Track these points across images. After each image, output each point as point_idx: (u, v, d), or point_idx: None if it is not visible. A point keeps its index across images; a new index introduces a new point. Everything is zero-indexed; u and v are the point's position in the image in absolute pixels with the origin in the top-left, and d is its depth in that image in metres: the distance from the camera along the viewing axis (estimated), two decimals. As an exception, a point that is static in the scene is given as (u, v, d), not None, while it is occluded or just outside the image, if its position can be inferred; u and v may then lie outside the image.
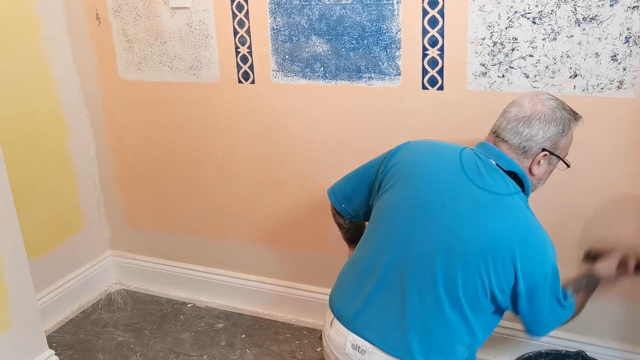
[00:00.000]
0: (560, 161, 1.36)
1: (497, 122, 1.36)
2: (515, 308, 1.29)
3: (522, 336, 1.98)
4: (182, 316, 2.44)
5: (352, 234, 1.61)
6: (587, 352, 1.76)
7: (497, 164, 1.30)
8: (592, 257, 1.61)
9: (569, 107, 1.34)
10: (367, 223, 1.47)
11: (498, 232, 1.23)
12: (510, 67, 1.74)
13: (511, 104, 1.36)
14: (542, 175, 1.34)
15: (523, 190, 1.32)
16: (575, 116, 1.34)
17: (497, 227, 1.23)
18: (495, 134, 1.34)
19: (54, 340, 2.29)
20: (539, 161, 1.31)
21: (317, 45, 1.97)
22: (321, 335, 1.49)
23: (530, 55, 1.71)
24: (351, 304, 1.34)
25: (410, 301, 1.27)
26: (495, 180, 1.27)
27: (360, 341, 1.31)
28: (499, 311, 1.33)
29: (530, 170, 1.32)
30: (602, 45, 1.63)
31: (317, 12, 1.93)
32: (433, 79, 1.85)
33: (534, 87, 1.73)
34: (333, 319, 1.38)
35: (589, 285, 1.50)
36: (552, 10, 1.65)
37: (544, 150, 1.30)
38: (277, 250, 2.32)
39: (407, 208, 1.31)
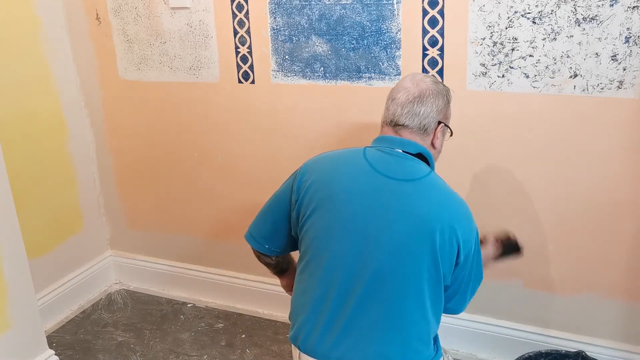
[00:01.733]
0: (449, 129, 1.43)
1: (390, 111, 1.37)
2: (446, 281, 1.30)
3: (522, 336, 1.98)
4: (182, 316, 2.44)
5: (281, 266, 1.56)
6: (587, 352, 1.76)
7: (404, 151, 1.32)
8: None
9: (440, 82, 1.42)
10: (293, 253, 1.45)
11: (432, 212, 1.24)
12: (510, 67, 1.74)
13: (394, 91, 1.38)
14: (440, 146, 1.39)
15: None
16: (448, 89, 1.41)
17: (429, 208, 1.25)
18: (393, 123, 1.35)
19: (54, 340, 2.29)
20: (437, 134, 1.36)
21: (317, 45, 1.97)
22: None
23: (530, 55, 1.71)
24: (314, 332, 1.29)
25: (375, 311, 1.24)
26: (407, 167, 1.29)
27: None
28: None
29: (432, 144, 1.37)
30: (602, 45, 1.63)
31: (317, 12, 1.93)
32: (433, 79, 1.85)
33: (534, 87, 1.73)
34: (300, 353, 1.33)
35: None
36: (552, 10, 1.65)
37: (439, 123, 1.35)
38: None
39: (339, 226, 1.27)
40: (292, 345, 1.37)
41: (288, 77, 2.05)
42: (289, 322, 2.38)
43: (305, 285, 1.33)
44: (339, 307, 1.26)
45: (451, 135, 1.45)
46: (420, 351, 1.27)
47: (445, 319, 2.07)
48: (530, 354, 1.77)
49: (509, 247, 1.55)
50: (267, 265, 1.55)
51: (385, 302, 1.24)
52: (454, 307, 1.36)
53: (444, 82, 1.82)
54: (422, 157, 1.34)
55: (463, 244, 1.25)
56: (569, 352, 1.78)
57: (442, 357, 1.37)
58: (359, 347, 1.25)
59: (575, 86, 1.69)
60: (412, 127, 1.33)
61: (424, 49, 1.83)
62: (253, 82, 2.11)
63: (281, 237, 1.43)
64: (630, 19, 1.58)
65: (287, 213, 1.39)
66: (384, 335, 1.25)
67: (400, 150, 1.32)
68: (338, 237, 1.27)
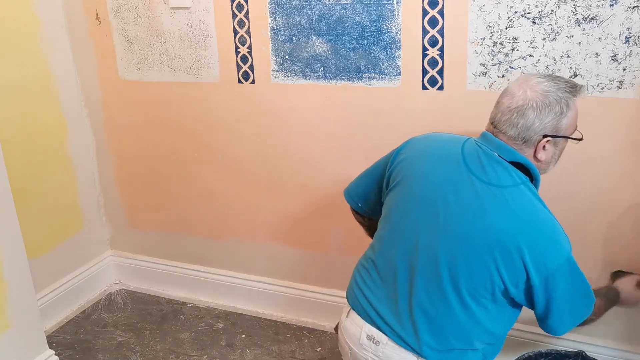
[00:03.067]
0: (570, 139, 1.33)
1: (493, 113, 1.33)
2: (531, 303, 1.28)
3: (522, 336, 1.98)
4: (182, 316, 2.44)
5: (374, 230, 1.61)
6: (587, 352, 1.76)
7: (499, 155, 1.28)
8: (617, 276, 1.64)
9: (565, 83, 1.29)
10: None
11: (502, 225, 1.21)
12: (510, 67, 1.74)
13: (503, 93, 1.32)
14: (550, 158, 1.31)
15: (531, 179, 1.30)
16: (573, 91, 1.28)
17: (501, 220, 1.21)
18: (493, 125, 1.32)
19: (54, 340, 2.29)
20: (544, 146, 1.28)
21: (317, 45, 1.97)
22: (336, 327, 1.51)
23: (530, 55, 1.71)
24: (366, 296, 1.36)
25: (418, 296, 1.28)
26: (497, 172, 1.26)
27: (375, 332, 1.32)
28: (516, 305, 1.32)
29: (535, 157, 1.29)
30: (602, 45, 1.63)
31: (317, 12, 1.93)
32: (433, 79, 1.85)
33: (534, 87, 1.73)
34: (350, 309, 1.41)
35: (608, 295, 1.50)
36: (552, 10, 1.65)
37: (545, 136, 1.27)
38: (277, 250, 2.32)
39: (411, 205, 1.32)
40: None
41: (288, 77, 2.05)
42: (289, 323, 2.40)
43: (372, 251, 1.42)
44: (389, 281, 1.33)
45: (580, 139, 1.34)
46: (451, 345, 1.28)
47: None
48: (530, 354, 1.77)
49: None
50: (361, 224, 1.65)
51: (425, 292, 1.27)
52: (552, 327, 1.32)
53: (444, 82, 1.83)
54: (521, 166, 1.28)
55: (535, 268, 1.20)
56: (569, 352, 1.78)
57: None
58: (396, 325, 1.30)
59: (575, 86, 1.69)
60: (509, 135, 1.28)
61: (424, 49, 1.83)
62: (253, 82, 2.11)
63: (372, 200, 1.51)
64: (630, 19, 1.58)
65: (380, 180, 1.46)
66: (419, 325, 1.28)
67: (496, 154, 1.28)
68: (405, 216, 1.32)
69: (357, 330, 1.36)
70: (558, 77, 1.31)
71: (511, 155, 1.28)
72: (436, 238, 1.27)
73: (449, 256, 1.25)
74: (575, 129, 1.33)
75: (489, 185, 1.25)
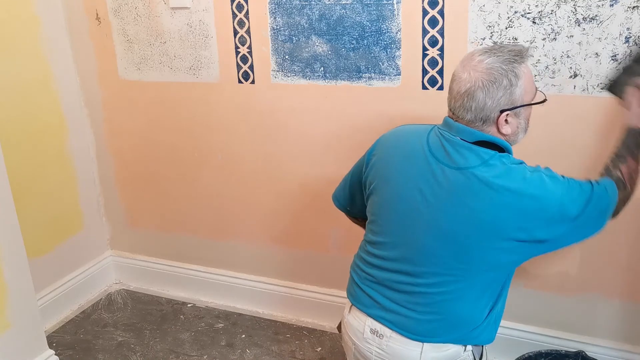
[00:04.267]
0: (531, 105, 1.28)
1: (448, 99, 1.31)
2: (549, 244, 1.24)
3: (522, 336, 1.98)
4: (182, 316, 2.44)
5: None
6: (587, 352, 1.76)
7: (461, 139, 1.26)
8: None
9: (508, 53, 1.23)
10: None
11: (483, 207, 1.21)
12: (510, 67, 1.74)
13: (452, 78, 1.30)
14: (516, 129, 1.28)
15: (503, 151, 1.28)
16: (518, 59, 1.23)
17: (479, 203, 1.21)
18: (452, 111, 1.31)
19: (54, 340, 2.29)
20: (505, 120, 1.25)
21: (317, 45, 1.97)
22: (339, 326, 1.52)
23: (530, 56, 1.71)
24: (367, 292, 1.37)
25: (422, 286, 1.29)
26: (463, 155, 1.24)
27: (378, 326, 1.33)
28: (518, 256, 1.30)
29: (500, 132, 1.26)
30: (602, 45, 1.63)
31: (317, 12, 1.93)
32: (433, 79, 1.85)
33: (534, 87, 1.73)
34: (352, 305, 1.41)
35: (634, 139, 1.34)
36: (552, 10, 1.65)
37: (502, 111, 1.23)
38: (277, 250, 2.32)
39: (392, 207, 1.33)
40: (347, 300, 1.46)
41: (288, 77, 2.05)
42: (289, 323, 2.40)
43: (369, 245, 1.42)
44: (390, 275, 1.33)
45: (544, 101, 1.29)
46: (457, 329, 1.29)
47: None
48: (530, 354, 1.77)
49: None
50: (355, 222, 1.65)
51: (427, 282, 1.28)
52: (591, 233, 1.27)
53: (445, 82, 1.83)
54: (487, 143, 1.26)
55: (523, 232, 1.20)
56: (569, 352, 1.78)
57: (480, 355, 1.36)
58: (400, 317, 1.31)
59: (575, 86, 1.69)
60: (467, 119, 1.26)
61: (424, 49, 1.83)
62: (253, 82, 2.11)
63: (359, 202, 1.52)
64: (630, 19, 1.58)
65: (360, 184, 1.48)
66: (424, 314, 1.29)
67: (459, 138, 1.27)
68: (391, 217, 1.33)
69: (360, 324, 1.36)
70: (500, 47, 1.25)
71: (472, 136, 1.26)
72: (426, 233, 1.27)
73: (443, 247, 1.25)
74: (535, 93, 1.29)
75: (458, 170, 1.24)
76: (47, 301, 2.36)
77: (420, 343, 1.29)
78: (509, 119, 1.25)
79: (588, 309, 1.89)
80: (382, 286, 1.35)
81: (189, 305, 2.51)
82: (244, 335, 2.29)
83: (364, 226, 1.64)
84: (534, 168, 1.26)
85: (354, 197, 1.53)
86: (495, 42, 1.74)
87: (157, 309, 2.50)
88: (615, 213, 1.30)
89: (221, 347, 2.23)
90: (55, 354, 2.03)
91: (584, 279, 1.86)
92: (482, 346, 1.36)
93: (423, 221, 1.27)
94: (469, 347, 1.32)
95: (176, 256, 2.55)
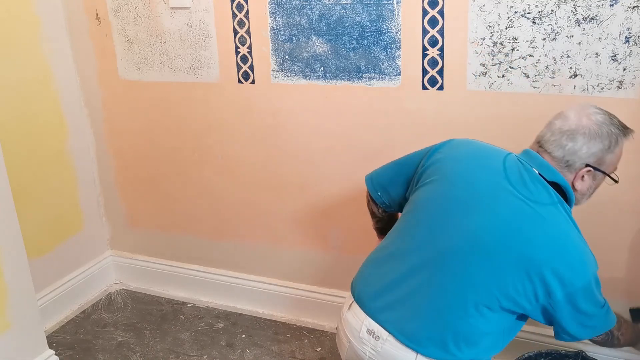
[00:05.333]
0: (607, 177, 1.34)
1: (542, 132, 1.35)
2: (549, 317, 1.27)
3: (522, 336, 1.98)
4: (182, 316, 2.44)
5: (384, 224, 1.61)
6: (587, 352, 1.76)
7: (539, 174, 1.29)
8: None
9: (618, 122, 1.32)
10: (399, 214, 1.48)
11: (534, 241, 1.21)
12: (510, 67, 1.74)
13: (557, 115, 1.34)
14: (586, 190, 1.33)
15: (566, 201, 1.31)
16: (624, 131, 1.31)
17: (534, 235, 1.22)
18: (539, 144, 1.33)
19: (54, 340, 2.29)
20: (583, 176, 1.29)
21: (317, 45, 1.97)
22: (337, 325, 1.50)
23: (530, 55, 1.71)
24: (372, 288, 1.36)
25: (433, 294, 1.28)
26: (537, 189, 1.26)
27: (375, 327, 1.32)
28: (523, 317, 1.32)
29: (572, 185, 1.31)
30: (602, 45, 1.63)
31: (317, 12, 1.93)
32: (433, 79, 1.85)
33: (534, 87, 1.73)
34: (352, 302, 1.40)
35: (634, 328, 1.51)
36: (552, 10, 1.65)
37: (587, 165, 1.29)
38: (277, 250, 2.32)
39: (445, 203, 1.31)
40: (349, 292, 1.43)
41: (288, 77, 2.05)
42: (289, 323, 2.39)
43: (389, 242, 1.40)
44: (400, 276, 1.32)
45: (615, 182, 1.36)
46: (449, 351, 1.27)
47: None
48: (530, 354, 1.77)
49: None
50: (372, 215, 1.62)
51: (441, 292, 1.27)
52: (572, 335, 1.31)
53: (444, 82, 1.83)
54: (559, 188, 1.29)
55: (561, 284, 1.21)
56: (569, 352, 1.78)
57: None
58: (402, 320, 1.30)
59: (575, 86, 1.69)
60: (554, 156, 1.29)
61: (424, 49, 1.83)
62: (253, 82, 2.11)
63: (394, 192, 1.49)
64: (630, 19, 1.58)
65: (410, 174, 1.45)
66: (426, 323, 1.28)
67: (537, 172, 1.29)
68: (436, 213, 1.32)
69: (357, 323, 1.35)
70: (613, 114, 1.33)
71: (552, 175, 1.29)
72: (465, 241, 1.26)
73: (476, 262, 1.24)
74: (615, 170, 1.35)
75: (527, 201, 1.25)
76: (47, 301, 2.36)
77: (415, 353, 1.28)
78: (587, 176, 1.29)
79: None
80: (393, 285, 1.33)
81: (189, 305, 2.51)
82: (244, 335, 2.29)
83: (378, 221, 1.62)
84: (584, 241, 1.28)
85: (393, 185, 1.50)
86: (495, 42, 1.74)
87: (157, 309, 2.50)
88: (595, 340, 1.38)
89: (221, 347, 2.23)
90: (55, 354, 2.03)
91: (584, 279, 1.86)
92: None
93: (469, 230, 1.26)
94: None
95: (176, 256, 2.55)
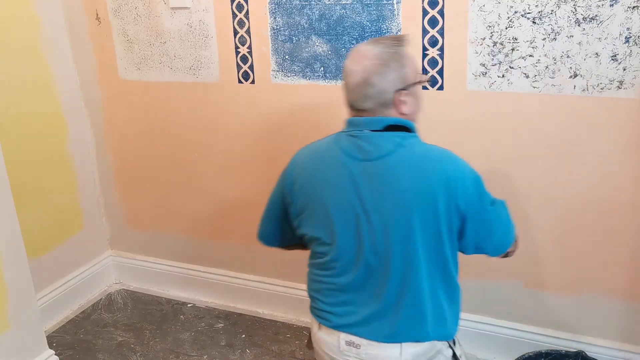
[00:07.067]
0: (420, 83, 1.37)
1: (346, 96, 1.35)
2: (464, 231, 1.29)
3: (522, 336, 1.98)
4: (182, 316, 2.44)
5: (300, 247, 1.60)
6: (587, 352, 1.76)
7: (371, 130, 1.30)
8: None
9: (389, 40, 1.33)
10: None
11: (410, 184, 1.25)
12: (510, 67, 1.74)
13: (344, 75, 1.35)
14: (414, 107, 1.35)
15: (410, 130, 1.33)
16: (400, 43, 1.32)
17: (406, 181, 1.25)
18: (352, 108, 1.34)
19: (54, 340, 2.29)
20: (402, 101, 1.30)
21: (317, 45, 1.97)
22: (308, 341, 1.50)
23: (530, 55, 1.71)
24: (335, 308, 1.36)
25: (385, 290, 1.30)
26: (378, 145, 1.29)
27: (353, 338, 1.33)
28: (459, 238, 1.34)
29: (401, 113, 1.32)
30: (602, 45, 1.63)
31: (317, 12, 1.93)
32: (433, 79, 1.85)
33: (534, 87, 1.73)
34: (319, 324, 1.40)
35: None
36: (552, 10, 1.65)
37: (398, 91, 1.29)
38: (276, 250, 2.31)
39: (335, 221, 1.31)
40: (312, 318, 1.44)
41: (288, 77, 2.05)
42: (289, 323, 2.39)
43: (318, 273, 1.41)
44: (355, 287, 1.33)
45: (428, 81, 1.40)
46: (426, 323, 1.29)
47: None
48: (530, 354, 1.77)
49: None
50: (294, 249, 1.61)
51: (390, 286, 1.29)
52: (491, 248, 1.35)
53: (444, 82, 1.83)
54: (396, 127, 1.32)
55: (458, 199, 1.24)
56: (569, 352, 1.78)
57: (453, 342, 1.37)
58: (372, 324, 1.31)
59: (575, 86, 1.69)
60: (369, 108, 1.31)
61: (424, 49, 1.83)
62: (253, 82, 2.11)
63: (286, 234, 1.50)
64: (630, 19, 1.58)
65: (286, 214, 1.44)
66: (390, 317, 1.30)
67: (368, 130, 1.31)
68: (334, 231, 1.32)
69: (334, 339, 1.35)
70: (380, 38, 1.35)
71: (379, 123, 1.30)
72: (375, 233, 1.28)
73: (394, 240, 1.27)
74: (419, 72, 1.37)
75: (378, 160, 1.28)
76: (47, 301, 2.36)
77: (399, 344, 1.30)
78: (405, 98, 1.31)
79: (588, 309, 1.89)
80: (348, 298, 1.34)
81: (189, 305, 2.51)
82: (244, 335, 2.29)
83: (300, 247, 1.60)
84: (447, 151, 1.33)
85: (282, 231, 1.50)
86: (495, 42, 1.74)
87: (157, 309, 2.50)
88: (505, 253, 1.37)
89: (221, 347, 2.23)
90: (55, 354, 2.03)
91: (584, 279, 1.86)
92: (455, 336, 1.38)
93: (368, 222, 1.28)
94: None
95: (176, 256, 2.55)
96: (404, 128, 1.31)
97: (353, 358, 1.33)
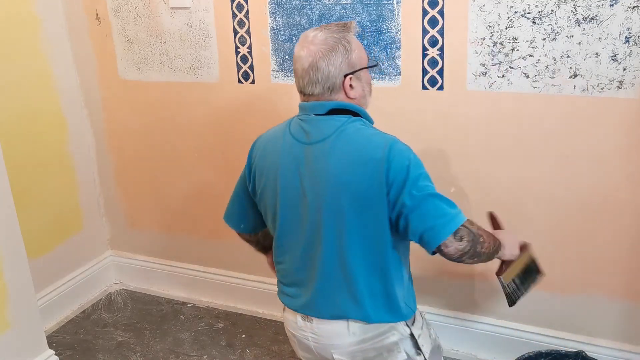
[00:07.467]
0: (368, 69, 1.39)
1: (295, 83, 1.38)
2: (404, 219, 1.27)
3: (522, 336, 1.98)
4: (182, 316, 2.44)
5: (263, 244, 1.68)
6: (587, 352, 1.76)
7: (316, 115, 1.34)
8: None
9: (335, 26, 1.35)
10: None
11: (342, 167, 1.28)
12: (510, 67, 1.74)
13: (294, 62, 1.37)
14: (362, 92, 1.37)
15: (359, 115, 1.36)
16: (345, 28, 1.34)
17: (339, 163, 1.28)
18: (302, 93, 1.37)
19: (54, 340, 2.29)
20: (350, 85, 1.33)
21: (317, 45, 1.97)
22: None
23: (530, 55, 1.71)
24: (289, 289, 1.46)
25: (321, 271, 1.35)
26: (320, 129, 1.32)
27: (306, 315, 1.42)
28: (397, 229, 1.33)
29: (349, 97, 1.35)
30: (602, 45, 1.63)
31: (317, 12, 1.93)
32: (433, 79, 1.85)
33: (534, 87, 1.73)
34: (284, 308, 1.50)
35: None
36: (552, 10, 1.65)
37: (345, 76, 1.32)
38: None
39: (281, 202, 1.37)
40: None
41: (288, 77, 2.05)
42: (289, 322, 2.37)
43: (275, 252, 1.48)
44: (304, 268, 1.40)
45: (376, 65, 1.44)
46: (363, 302, 1.33)
47: (446, 319, 2.07)
48: (530, 354, 1.77)
49: (530, 268, 1.53)
50: (249, 242, 1.69)
51: (329, 266, 1.34)
52: (417, 238, 1.29)
53: (444, 82, 1.83)
54: (342, 110, 1.34)
55: (390, 187, 1.25)
56: (569, 352, 1.78)
57: (412, 322, 1.39)
58: (317, 303, 1.38)
59: (575, 86, 1.69)
60: (317, 93, 1.33)
61: (424, 49, 1.83)
62: (253, 82, 2.11)
63: (251, 216, 1.56)
64: (630, 19, 1.58)
65: (249, 195, 1.52)
66: (332, 295, 1.36)
67: (313, 114, 1.34)
68: (282, 212, 1.39)
69: (293, 317, 1.44)
70: (328, 24, 1.37)
71: (323, 107, 1.33)
72: (314, 212, 1.32)
73: (324, 224, 1.31)
74: (367, 59, 1.39)
75: (318, 143, 1.31)
76: (47, 301, 2.36)
77: (345, 321, 1.35)
78: (353, 82, 1.33)
79: (588, 309, 1.89)
80: (296, 279, 1.42)
81: (189, 305, 2.51)
82: (244, 335, 2.29)
83: (256, 244, 1.69)
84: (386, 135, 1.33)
85: (246, 212, 1.56)
86: (495, 42, 1.74)
87: (157, 309, 2.50)
88: (463, 250, 1.29)
89: (221, 347, 2.23)
90: (55, 354, 2.03)
91: (585, 278, 1.86)
92: (414, 313, 1.41)
93: (306, 205, 1.32)
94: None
95: (176, 256, 2.55)
96: (350, 112, 1.34)
97: (309, 332, 1.41)
